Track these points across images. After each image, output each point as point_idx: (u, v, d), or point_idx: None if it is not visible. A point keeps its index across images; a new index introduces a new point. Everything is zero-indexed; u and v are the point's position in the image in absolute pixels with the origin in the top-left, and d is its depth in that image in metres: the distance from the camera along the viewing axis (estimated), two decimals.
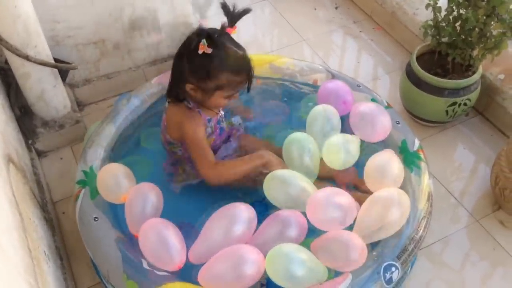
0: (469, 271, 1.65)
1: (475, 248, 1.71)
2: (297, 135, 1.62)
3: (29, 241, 1.24)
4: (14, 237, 1.12)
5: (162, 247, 1.35)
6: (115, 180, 1.49)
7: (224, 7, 1.47)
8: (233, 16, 1.46)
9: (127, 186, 1.49)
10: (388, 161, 1.54)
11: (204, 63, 1.42)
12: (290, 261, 1.30)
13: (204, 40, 1.38)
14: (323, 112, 1.69)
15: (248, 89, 1.51)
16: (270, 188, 1.49)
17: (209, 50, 1.39)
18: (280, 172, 1.50)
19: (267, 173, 1.51)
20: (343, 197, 1.44)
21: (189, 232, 1.43)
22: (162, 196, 1.49)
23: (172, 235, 1.37)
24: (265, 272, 1.32)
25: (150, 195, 1.45)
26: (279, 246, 1.33)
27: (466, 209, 1.80)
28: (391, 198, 1.42)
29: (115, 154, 1.69)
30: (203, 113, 1.56)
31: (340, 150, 1.58)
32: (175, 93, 1.54)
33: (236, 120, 1.77)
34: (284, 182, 1.48)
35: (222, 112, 1.65)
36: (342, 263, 1.33)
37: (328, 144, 1.61)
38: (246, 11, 1.48)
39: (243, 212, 1.40)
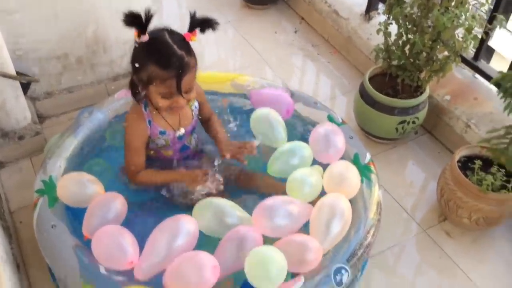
0: (417, 278, 1.74)
1: (422, 256, 1.80)
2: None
3: None
4: None
5: (115, 246, 1.38)
6: (82, 184, 1.53)
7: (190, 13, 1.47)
8: (193, 21, 1.46)
9: (95, 188, 1.53)
10: (346, 169, 1.62)
11: (137, 50, 1.45)
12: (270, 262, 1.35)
13: (135, 28, 1.39)
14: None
15: (179, 91, 1.43)
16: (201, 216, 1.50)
17: (145, 38, 1.40)
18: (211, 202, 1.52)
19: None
20: (291, 206, 1.51)
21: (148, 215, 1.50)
22: (126, 208, 1.52)
23: (124, 234, 1.41)
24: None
25: (115, 204, 1.49)
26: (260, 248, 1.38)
27: (415, 220, 1.90)
28: (335, 203, 1.51)
29: (75, 165, 1.71)
30: (156, 123, 1.59)
31: (303, 185, 1.59)
32: (132, 84, 1.54)
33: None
34: (218, 211, 1.50)
35: (182, 130, 1.64)
36: (298, 264, 1.39)
37: (292, 181, 1.61)
38: (207, 22, 1.46)
39: (185, 224, 1.43)
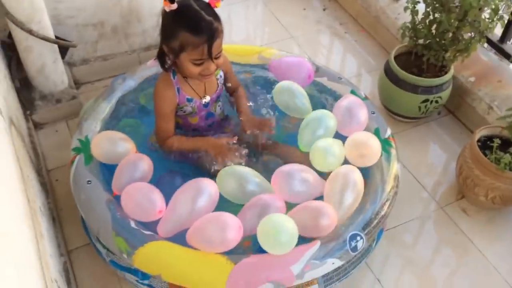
0: (431, 252, 1.80)
1: (438, 232, 1.85)
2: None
3: (28, 193, 1.35)
4: (16, 183, 1.23)
5: (144, 198, 1.49)
6: (114, 142, 1.63)
7: None
8: None
9: (127, 146, 1.63)
10: (368, 137, 1.68)
11: (167, 20, 1.52)
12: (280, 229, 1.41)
13: None
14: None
15: (210, 55, 1.51)
16: (224, 183, 1.57)
17: (173, 6, 1.47)
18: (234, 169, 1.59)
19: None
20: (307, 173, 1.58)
21: (175, 178, 1.58)
22: (152, 167, 1.62)
23: (152, 188, 1.52)
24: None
25: (142, 164, 1.58)
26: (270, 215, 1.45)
27: (433, 197, 1.95)
28: (348, 174, 1.57)
29: (109, 127, 1.80)
30: (183, 91, 1.67)
31: (326, 154, 1.65)
32: (160, 55, 1.62)
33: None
34: (240, 178, 1.57)
35: (207, 98, 1.72)
36: (313, 229, 1.46)
37: (315, 149, 1.67)
38: None
39: (206, 186, 1.51)
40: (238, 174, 1.59)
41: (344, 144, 1.69)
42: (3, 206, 1.01)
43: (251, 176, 1.60)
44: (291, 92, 1.83)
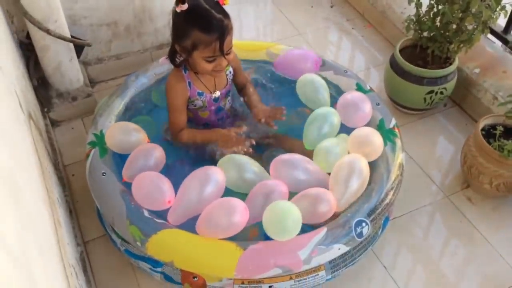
0: (435, 239, 1.83)
1: (443, 220, 1.89)
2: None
3: (46, 183, 1.43)
4: (36, 173, 1.30)
5: (153, 188, 1.55)
6: (127, 132, 1.71)
7: None
8: None
9: (140, 136, 1.70)
10: (370, 134, 1.72)
11: (179, 20, 1.58)
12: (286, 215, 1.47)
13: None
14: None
15: (222, 52, 1.57)
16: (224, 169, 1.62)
17: (184, 7, 1.52)
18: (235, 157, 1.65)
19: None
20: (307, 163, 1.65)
21: (182, 168, 1.65)
22: (165, 157, 1.68)
23: (161, 178, 1.57)
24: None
25: (155, 153, 1.66)
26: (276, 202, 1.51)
27: (438, 187, 1.98)
28: (354, 163, 1.61)
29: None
30: (195, 86, 1.73)
31: (329, 154, 1.69)
32: (172, 53, 1.69)
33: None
34: (239, 166, 1.63)
35: (217, 93, 1.78)
36: (312, 215, 1.51)
37: (319, 150, 1.71)
38: None
39: (213, 174, 1.57)
40: (238, 163, 1.63)
41: (347, 142, 1.73)
42: (26, 188, 1.08)
43: (250, 165, 1.65)
44: (314, 85, 1.89)
